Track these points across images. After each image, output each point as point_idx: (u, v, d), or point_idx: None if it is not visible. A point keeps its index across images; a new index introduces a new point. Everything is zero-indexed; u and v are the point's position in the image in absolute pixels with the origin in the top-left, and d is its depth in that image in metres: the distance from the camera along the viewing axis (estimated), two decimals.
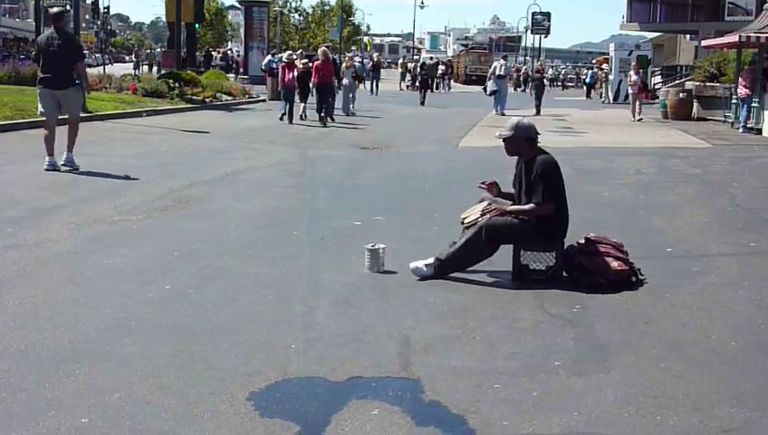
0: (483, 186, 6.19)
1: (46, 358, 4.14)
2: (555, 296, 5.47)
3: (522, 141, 5.88)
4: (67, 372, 3.96)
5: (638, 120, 23.00)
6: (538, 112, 24.94)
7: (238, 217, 7.92)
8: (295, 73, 19.40)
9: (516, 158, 6.02)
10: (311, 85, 19.52)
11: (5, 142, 13.05)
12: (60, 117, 10.44)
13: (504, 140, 5.91)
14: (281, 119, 19.04)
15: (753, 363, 4.37)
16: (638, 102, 23.76)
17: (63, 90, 10.13)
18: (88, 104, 17.49)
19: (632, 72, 24.39)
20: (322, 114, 19.09)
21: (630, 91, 24.39)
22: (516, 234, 5.81)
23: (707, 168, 12.95)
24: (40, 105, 10.30)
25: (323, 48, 20.98)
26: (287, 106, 19.17)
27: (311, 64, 20.03)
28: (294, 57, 20.88)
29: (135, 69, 42.47)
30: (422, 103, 29.62)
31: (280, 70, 20.59)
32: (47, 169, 9.97)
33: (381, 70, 41.91)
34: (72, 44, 10.47)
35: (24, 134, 14.16)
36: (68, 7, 19.79)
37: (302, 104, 19.94)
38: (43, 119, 10.34)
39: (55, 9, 11.85)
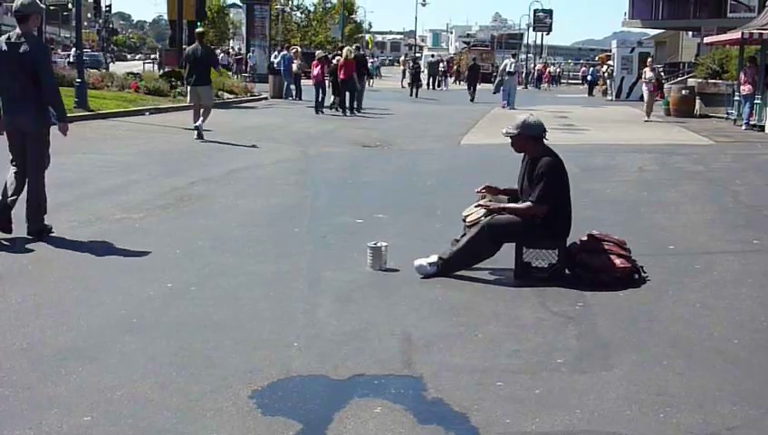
0: (480, 192, 6.17)
1: (48, 356, 4.14)
2: (557, 294, 5.46)
3: (526, 139, 5.88)
4: (69, 369, 3.97)
5: (646, 120, 21.81)
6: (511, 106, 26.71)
7: (240, 215, 7.92)
8: (324, 69, 22.11)
9: (523, 154, 6.02)
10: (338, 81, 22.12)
11: None
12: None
13: (512, 137, 5.92)
14: (316, 112, 21.37)
15: (755, 361, 4.36)
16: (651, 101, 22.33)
17: (203, 86, 14.35)
18: (90, 103, 17.55)
19: (647, 69, 22.89)
20: (346, 105, 21.84)
21: (645, 88, 22.84)
22: (519, 232, 5.80)
23: (710, 165, 12.93)
24: (189, 97, 14.96)
25: (347, 48, 23.73)
26: (318, 98, 21.64)
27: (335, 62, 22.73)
28: (330, 56, 23.96)
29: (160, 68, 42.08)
30: (414, 95, 31.75)
31: (312, 67, 23.26)
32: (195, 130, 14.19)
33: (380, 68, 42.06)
34: (210, 55, 15.21)
35: None
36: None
37: (335, 97, 22.42)
38: (191, 105, 14.88)
39: (200, 29, 16.91)
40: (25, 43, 6.42)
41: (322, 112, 21.45)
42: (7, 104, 6.34)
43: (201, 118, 14.20)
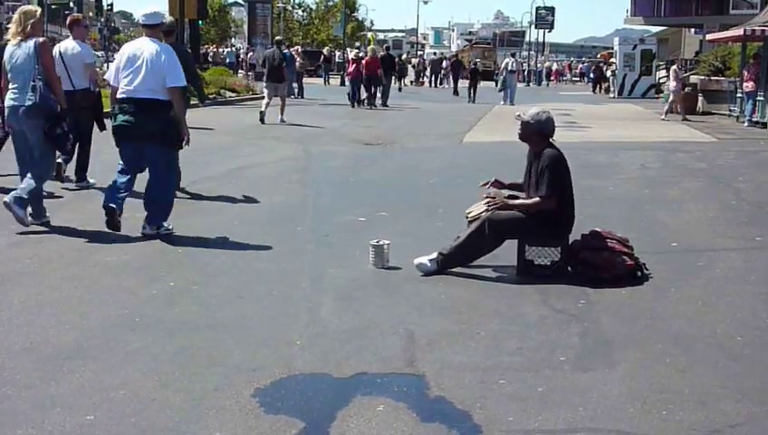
0: (485, 186, 6.17)
1: (51, 355, 4.14)
2: (560, 291, 5.45)
3: (533, 131, 5.90)
4: (72, 369, 3.97)
5: (664, 119, 20.87)
6: (471, 101, 28.78)
7: (242, 213, 7.93)
8: (359, 68, 24.24)
9: (527, 147, 6.03)
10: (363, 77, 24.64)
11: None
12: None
13: (521, 124, 5.97)
14: (352, 105, 23.76)
15: (758, 358, 4.36)
16: (674, 101, 21.45)
17: (278, 83, 18.44)
18: None
19: (675, 67, 21.96)
20: (369, 98, 24.10)
21: (673, 86, 21.70)
22: (520, 227, 5.80)
23: (712, 162, 12.91)
24: (266, 90, 18.71)
25: (372, 47, 29.06)
26: (353, 94, 24.07)
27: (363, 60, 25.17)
28: (361, 54, 26.20)
29: None
30: (399, 90, 34.27)
31: (349, 65, 26.04)
32: (261, 118, 17.50)
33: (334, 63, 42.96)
34: (284, 58, 19.37)
35: None
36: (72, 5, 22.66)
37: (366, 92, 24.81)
38: (266, 98, 18.48)
39: (278, 37, 21.94)
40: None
41: (357, 106, 23.68)
42: None
43: (281, 112, 17.88)
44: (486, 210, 5.85)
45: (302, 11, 72.51)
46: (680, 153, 14.03)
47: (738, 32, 20.67)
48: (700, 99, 23.80)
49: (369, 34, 77.96)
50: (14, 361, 4.06)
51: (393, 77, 28.80)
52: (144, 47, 6.69)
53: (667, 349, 4.44)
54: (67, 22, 9.88)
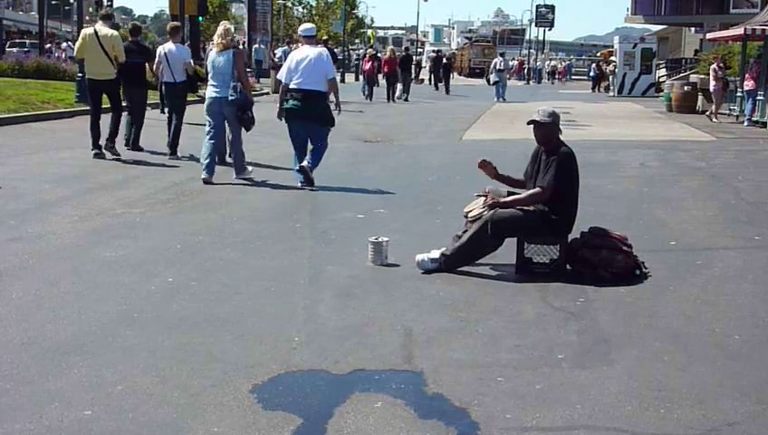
0: (483, 164, 6.16)
1: (49, 350, 4.14)
2: (558, 289, 5.45)
3: (556, 129, 5.87)
4: (70, 364, 3.97)
5: (717, 122, 19.99)
6: (447, 92, 32.28)
7: (241, 210, 7.92)
8: (374, 64, 26.88)
9: (535, 147, 5.99)
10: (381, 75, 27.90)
11: (9, 135, 13.05)
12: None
13: (540, 126, 5.85)
14: (368, 99, 25.88)
15: (756, 357, 4.36)
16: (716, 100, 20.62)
17: None
18: None
19: (715, 66, 20.87)
20: (389, 94, 26.47)
21: (713, 86, 20.66)
22: (523, 226, 5.79)
23: (712, 161, 12.91)
24: None
25: (391, 47, 32.66)
26: (368, 89, 26.31)
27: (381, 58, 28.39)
28: (375, 53, 29.08)
29: None
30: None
31: (362, 61, 29.77)
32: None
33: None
34: (330, 54, 22.49)
35: (27, 127, 14.17)
36: None
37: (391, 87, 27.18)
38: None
39: (325, 37, 22.73)
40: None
41: (370, 101, 25.59)
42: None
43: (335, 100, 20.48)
44: (487, 210, 5.83)
45: (302, 8, 72.40)
46: (679, 152, 14.02)
47: (738, 31, 20.65)
48: (700, 98, 23.78)
49: (370, 32, 77.81)
50: (12, 356, 4.06)
51: (413, 74, 31.18)
52: (309, 52, 9.06)
53: (665, 347, 4.44)
54: (168, 28, 12.29)
